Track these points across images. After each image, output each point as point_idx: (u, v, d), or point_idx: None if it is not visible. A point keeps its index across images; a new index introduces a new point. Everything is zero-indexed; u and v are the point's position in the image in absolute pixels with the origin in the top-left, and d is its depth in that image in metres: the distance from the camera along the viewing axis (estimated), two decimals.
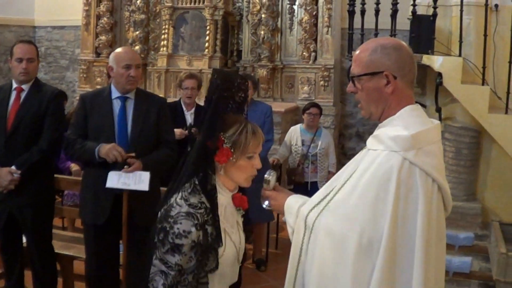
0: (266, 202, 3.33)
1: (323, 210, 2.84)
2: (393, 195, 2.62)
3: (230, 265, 2.99)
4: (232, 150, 2.92)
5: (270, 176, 3.25)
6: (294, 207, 3.06)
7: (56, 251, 6.07)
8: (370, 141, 2.90)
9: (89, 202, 5.31)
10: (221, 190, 3.00)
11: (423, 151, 2.73)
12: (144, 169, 5.12)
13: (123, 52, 5.35)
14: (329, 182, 3.02)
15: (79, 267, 6.59)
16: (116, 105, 5.31)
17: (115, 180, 5.06)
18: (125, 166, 5.09)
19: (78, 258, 6.32)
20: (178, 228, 2.76)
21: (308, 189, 8.12)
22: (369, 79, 2.87)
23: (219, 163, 2.95)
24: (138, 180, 5.06)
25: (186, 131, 7.19)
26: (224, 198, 3.02)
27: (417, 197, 2.65)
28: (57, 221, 7.86)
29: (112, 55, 5.40)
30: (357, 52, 2.95)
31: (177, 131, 6.82)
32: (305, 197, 3.15)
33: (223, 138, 2.93)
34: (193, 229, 2.76)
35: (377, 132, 2.88)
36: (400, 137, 2.73)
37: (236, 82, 3.02)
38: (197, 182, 2.92)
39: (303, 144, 8.22)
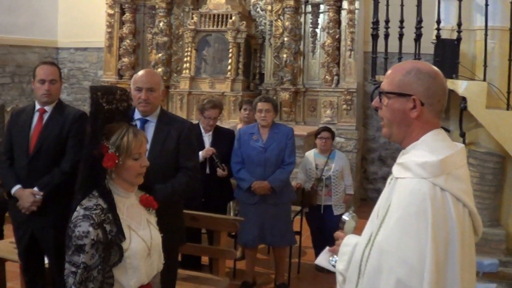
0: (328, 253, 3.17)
1: (371, 250, 2.75)
2: (431, 226, 2.55)
3: (140, 258, 3.29)
4: (117, 154, 3.24)
5: (348, 217, 3.14)
6: (346, 253, 2.96)
7: None
8: (396, 169, 2.82)
9: None
10: (118, 191, 3.34)
11: (453, 176, 2.67)
12: (157, 201, 5.00)
13: (139, 74, 5.30)
14: (369, 221, 2.93)
15: None
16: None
17: None
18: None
19: None
20: (78, 231, 3.10)
21: (322, 212, 8.11)
22: (396, 98, 2.82)
23: (109, 168, 3.26)
24: None
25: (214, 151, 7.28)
26: (124, 199, 3.36)
27: (452, 224, 2.60)
28: None
29: (133, 77, 5.41)
30: (392, 69, 2.91)
31: (208, 150, 7.02)
32: (356, 238, 3.02)
33: (107, 145, 3.23)
34: (91, 229, 3.09)
35: (402, 159, 2.81)
36: (428, 163, 2.66)
37: (118, 94, 3.35)
38: (91, 189, 3.25)
39: (316, 168, 8.16)
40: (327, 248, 3.17)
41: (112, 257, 3.17)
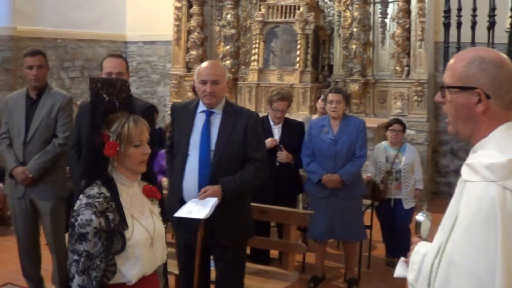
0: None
1: (441, 261, 2.59)
2: (500, 235, 2.36)
3: (143, 248, 3.30)
4: (118, 142, 3.26)
5: (423, 218, 3.00)
6: (416, 263, 2.81)
7: None
8: (465, 171, 2.57)
9: (182, 224, 5.20)
10: (121, 180, 3.35)
11: None
12: (225, 194, 4.98)
13: (203, 67, 5.22)
14: (440, 227, 2.76)
15: (169, 281, 6.56)
16: (200, 119, 5.20)
17: (183, 207, 4.98)
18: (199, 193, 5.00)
19: (168, 272, 6.28)
20: (81, 219, 3.11)
21: (392, 206, 7.98)
22: (460, 92, 2.59)
23: (110, 156, 3.27)
24: (202, 207, 4.90)
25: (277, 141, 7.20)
26: (127, 188, 3.38)
27: None
28: None
29: (196, 69, 5.35)
30: (453, 59, 2.68)
31: (268, 140, 6.80)
32: (426, 247, 2.87)
33: (108, 134, 3.26)
34: (93, 217, 3.10)
35: (470, 159, 2.60)
36: (495, 165, 2.41)
37: (118, 86, 3.37)
38: (94, 178, 3.29)
39: (387, 161, 8.03)
40: (402, 258, 3.03)
41: (114, 245, 3.19)
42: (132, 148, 3.31)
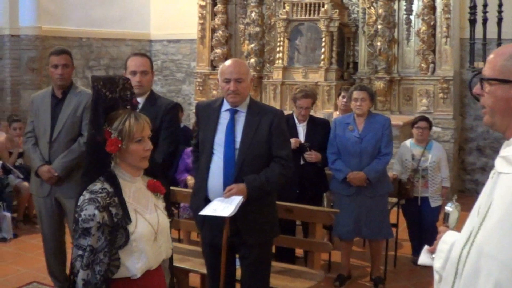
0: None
1: (470, 251, 2.57)
2: None
3: (147, 241, 3.37)
4: (120, 138, 3.34)
5: (452, 208, 3.02)
6: (443, 251, 2.80)
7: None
8: (499, 163, 2.62)
9: (208, 223, 5.21)
10: (123, 176, 3.44)
11: None
12: (250, 192, 4.95)
13: (226, 65, 5.19)
14: (469, 218, 2.75)
15: (194, 280, 6.57)
16: (225, 118, 5.18)
17: (209, 206, 4.96)
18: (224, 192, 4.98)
19: (193, 271, 6.28)
20: (84, 214, 3.20)
21: (419, 204, 7.95)
22: (499, 85, 2.63)
23: (112, 153, 3.37)
24: (227, 205, 4.87)
25: (300, 142, 7.16)
26: (130, 183, 3.46)
27: None
28: (173, 233, 7.86)
29: (219, 68, 5.33)
30: (493, 54, 2.72)
31: (292, 141, 6.75)
32: (455, 236, 2.86)
33: (109, 131, 3.35)
34: (96, 212, 3.19)
35: (505, 152, 2.61)
36: None
37: (120, 84, 3.46)
38: (96, 174, 3.38)
39: (413, 159, 8.00)
40: (426, 246, 3.03)
41: (118, 240, 3.26)
42: (133, 144, 3.40)
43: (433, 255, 2.92)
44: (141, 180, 3.58)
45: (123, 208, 3.31)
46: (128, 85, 3.52)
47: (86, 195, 3.27)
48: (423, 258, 3.02)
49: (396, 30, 12.62)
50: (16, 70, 12.81)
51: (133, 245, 3.31)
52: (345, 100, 8.28)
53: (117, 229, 3.26)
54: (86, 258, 3.16)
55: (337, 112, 8.66)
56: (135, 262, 3.33)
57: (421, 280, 7.48)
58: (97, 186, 3.31)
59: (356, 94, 7.07)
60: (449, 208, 3.00)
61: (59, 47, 7.03)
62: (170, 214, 3.97)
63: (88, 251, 3.17)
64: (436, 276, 2.82)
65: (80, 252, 3.19)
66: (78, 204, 3.28)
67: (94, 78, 3.46)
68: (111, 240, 3.23)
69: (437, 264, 2.81)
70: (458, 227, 2.93)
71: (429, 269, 2.98)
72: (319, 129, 7.39)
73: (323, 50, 12.39)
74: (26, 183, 9.46)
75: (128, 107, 3.50)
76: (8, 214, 9.25)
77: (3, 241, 9.07)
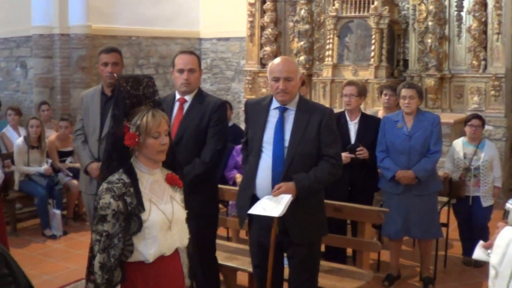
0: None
1: None
2: None
3: (160, 230, 3.63)
4: (137, 133, 3.61)
5: None
6: (501, 247, 2.76)
7: (219, 262, 6.07)
8: None
9: (255, 221, 5.22)
10: (141, 168, 3.72)
11: None
12: (299, 191, 4.93)
13: (275, 63, 5.17)
14: None
15: (242, 278, 6.57)
16: (274, 116, 5.17)
17: (258, 204, 4.95)
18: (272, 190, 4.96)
19: (241, 269, 6.29)
20: (101, 202, 3.51)
21: (470, 203, 7.83)
22: None
23: (130, 146, 3.63)
24: (276, 205, 4.83)
25: (350, 154, 7.05)
26: (147, 175, 3.73)
27: None
28: (221, 231, 7.88)
29: (268, 66, 5.31)
30: None
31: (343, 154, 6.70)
32: None
33: (128, 126, 3.62)
34: (112, 200, 3.49)
35: None
36: None
37: (144, 82, 3.73)
38: (116, 166, 3.67)
39: (465, 157, 7.89)
40: (481, 242, 2.99)
41: (132, 226, 3.55)
42: (150, 139, 3.63)
43: (489, 251, 2.89)
44: (159, 173, 3.84)
45: (138, 197, 3.58)
46: (151, 84, 3.77)
47: (104, 185, 3.57)
48: (478, 253, 3.00)
49: (447, 27, 12.46)
50: (66, 69, 13.00)
51: (146, 232, 3.58)
52: (387, 97, 8.24)
53: (131, 216, 3.55)
54: (103, 242, 3.49)
55: (381, 111, 8.60)
56: (148, 248, 3.60)
57: (472, 281, 7.38)
58: (115, 176, 3.61)
59: (404, 92, 7.01)
60: (509, 205, 2.99)
61: (109, 45, 7.08)
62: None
63: (104, 236, 3.49)
64: (492, 271, 2.79)
65: (97, 237, 3.52)
66: (97, 192, 3.59)
67: (118, 76, 3.77)
68: (126, 226, 3.53)
69: (494, 259, 2.78)
70: None
71: (479, 270, 2.96)
72: (371, 126, 7.29)
73: (373, 47, 12.33)
74: (75, 181, 9.58)
75: (151, 104, 3.73)
76: (58, 212, 9.41)
77: (53, 238, 9.23)
